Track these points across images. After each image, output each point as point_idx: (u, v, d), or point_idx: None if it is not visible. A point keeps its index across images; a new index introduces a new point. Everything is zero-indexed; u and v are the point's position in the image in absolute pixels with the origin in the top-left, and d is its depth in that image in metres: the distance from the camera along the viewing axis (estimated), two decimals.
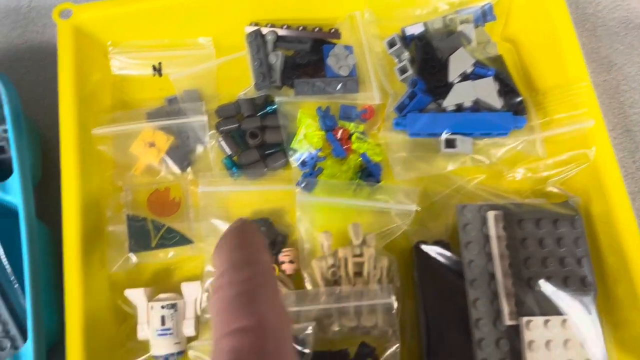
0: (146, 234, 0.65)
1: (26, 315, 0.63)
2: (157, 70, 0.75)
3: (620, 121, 0.75)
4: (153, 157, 0.69)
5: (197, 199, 0.67)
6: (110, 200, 0.68)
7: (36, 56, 0.80)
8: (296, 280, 0.65)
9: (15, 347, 0.61)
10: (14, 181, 0.63)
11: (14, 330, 0.62)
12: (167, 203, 0.67)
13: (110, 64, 0.74)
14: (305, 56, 0.72)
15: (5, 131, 0.65)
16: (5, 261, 0.64)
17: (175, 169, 0.69)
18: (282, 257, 0.65)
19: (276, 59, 0.70)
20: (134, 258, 0.65)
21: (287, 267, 0.65)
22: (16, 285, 0.64)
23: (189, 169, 0.70)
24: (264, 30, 0.72)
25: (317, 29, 0.72)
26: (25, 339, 0.61)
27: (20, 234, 0.61)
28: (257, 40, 0.70)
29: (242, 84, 0.72)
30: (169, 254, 0.66)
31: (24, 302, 0.63)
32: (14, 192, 0.63)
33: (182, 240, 0.65)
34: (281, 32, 0.71)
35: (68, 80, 0.67)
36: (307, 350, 0.58)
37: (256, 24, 0.73)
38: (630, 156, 0.74)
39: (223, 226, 0.65)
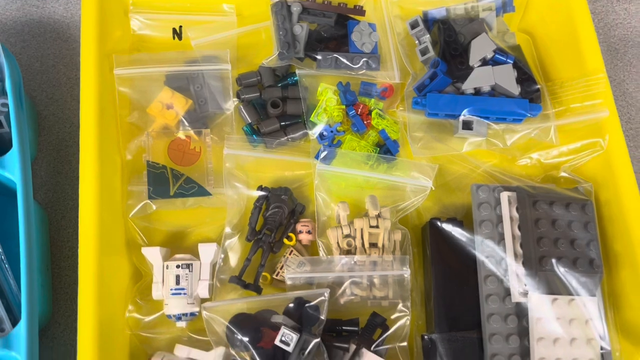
0: (165, 181, 0.64)
1: (14, 297, 0.61)
2: (178, 33, 0.74)
3: None
4: (170, 119, 0.69)
5: (216, 157, 0.67)
6: (130, 144, 0.67)
7: (35, 31, 0.78)
8: (311, 251, 0.66)
9: (1, 329, 0.59)
10: (13, 156, 0.60)
11: (1, 313, 0.60)
12: (188, 152, 0.67)
13: (130, 23, 0.73)
14: (329, 30, 0.72)
15: (5, 105, 0.63)
16: None
17: (192, 133, 0.69)
18: (300, 226, 0.65)
19: (301, 30, 0.70)
20: (153, 205, 0.65)
21: (304, 238, 0.65)
22: (6, 266, 0.62)
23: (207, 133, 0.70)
24: (290, 1, 0.72)
25: (342, 4, 0.72)
26: (12, 322, 0.59)
27: (12, 213, 0.59)
28: (282, 10, 0.70)
29: (261, 55, 0.72)
30: (187, 203, 0.65)
31: (13, 283, 0.62)
32: (12, 168, 0.60)
33: (201, 191, 0.65)
34: (306, 4, 0.72)
35: (90, 33, 0.66)
36: (322, 317, 0.59)
37: None
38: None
39: (244, 190, 0.65)
